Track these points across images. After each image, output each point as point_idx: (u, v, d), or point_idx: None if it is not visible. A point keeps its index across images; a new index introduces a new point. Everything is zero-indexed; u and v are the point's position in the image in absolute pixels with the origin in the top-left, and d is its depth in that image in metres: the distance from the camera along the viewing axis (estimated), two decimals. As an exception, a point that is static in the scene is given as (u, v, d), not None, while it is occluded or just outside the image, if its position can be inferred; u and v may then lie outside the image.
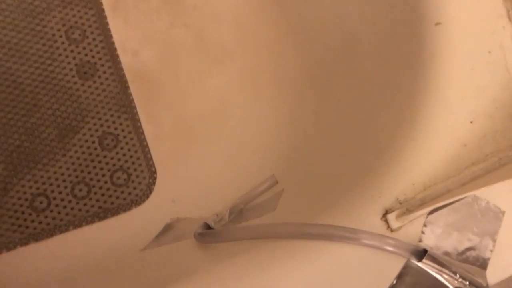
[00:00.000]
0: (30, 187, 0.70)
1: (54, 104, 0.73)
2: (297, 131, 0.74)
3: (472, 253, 0.48)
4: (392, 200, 0.45)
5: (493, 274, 0.48)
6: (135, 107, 0.75)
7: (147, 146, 0.74)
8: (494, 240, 0.48)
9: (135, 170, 0.73)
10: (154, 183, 0.74)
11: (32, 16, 0.73)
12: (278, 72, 0.78)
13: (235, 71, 0.79)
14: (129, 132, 0.74)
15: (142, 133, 0.75)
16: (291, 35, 0.78)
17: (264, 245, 0.45)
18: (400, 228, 0.45)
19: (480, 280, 0.47)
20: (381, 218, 0.45)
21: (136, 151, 0.74)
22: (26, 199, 0.69)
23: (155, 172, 0.74)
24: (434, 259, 0.45)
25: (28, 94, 0.72)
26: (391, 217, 0.45)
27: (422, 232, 0.46)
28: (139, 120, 0.75)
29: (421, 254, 0.45)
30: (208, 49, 0.80)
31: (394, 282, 0.45)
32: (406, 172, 0.46)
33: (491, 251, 0.48)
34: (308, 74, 0.75)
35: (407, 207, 0.44)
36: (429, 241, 0.46)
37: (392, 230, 0.45)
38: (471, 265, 0.47)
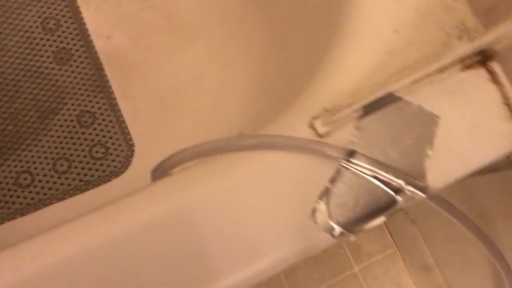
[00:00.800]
0: (15, 166, 0.74)
1: (34, 89, 0.77)
2: (263, 91, 0.76)
3: (408, 158, 0.47)
4: (319, 109, 0.46)
5: (435, 179, 0.48)
6: (110, 87, 0.79)
7: (124, 121, 0.78)
8: (431, 144, 0.48)
9: (113, 144, 0.77)
10: (132, 155, 0.77)
11: (10, 12, 0.79)
12: (244, 39, 0.81)
13: (205, 46, 0.83)
14: (106, 110, 0.78)
15: (119, 109, 0.78)
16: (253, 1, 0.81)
17: (205, 160, 0.48)
18: (328, 133, 0.46)
19: (418, 182, 0.46)
20: (309, 126, 0.46)
21: (113, 127, 0.77)
22: (12, 177, 0.73)
23: (133, 145, 0.77)
24: (366, 160, 0.45)
25: (9, 82, 0.77)
26: (317, 123, 0.45)
27: (353, 137, 0.47)
28: (115, 98, 0.79)
29: (351, 154, 0.45)
30: (177, 28, 0.83)
31: (328, 186, 0.46)
32: (332, 82, 0.47)
33: (429, 155, 0.48)
34: (270, 35, 0.77)
35: (332, 113, 0.45)
36: (360, 146, 0.46)
37: (321, 136, 0.46)
38: (408, 169, 0.47)
